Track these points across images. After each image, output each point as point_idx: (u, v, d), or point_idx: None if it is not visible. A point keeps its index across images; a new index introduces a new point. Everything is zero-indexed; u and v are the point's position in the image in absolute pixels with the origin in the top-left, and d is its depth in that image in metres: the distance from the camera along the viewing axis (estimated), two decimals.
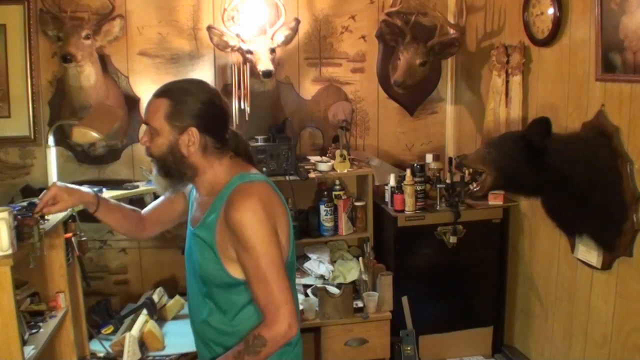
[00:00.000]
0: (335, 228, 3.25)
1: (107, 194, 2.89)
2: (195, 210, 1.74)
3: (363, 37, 3.50)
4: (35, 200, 2.65)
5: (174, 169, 1.65)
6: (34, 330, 2.26)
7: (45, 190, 1.84)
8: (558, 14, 2.59)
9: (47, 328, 2.31)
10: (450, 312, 3.23)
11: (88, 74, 2.95)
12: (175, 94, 1.61)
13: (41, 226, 2.15)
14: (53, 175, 2.84)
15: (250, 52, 3.07)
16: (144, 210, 1.98)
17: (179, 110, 1.60)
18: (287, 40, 3.20)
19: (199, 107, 1.61)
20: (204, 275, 1.67)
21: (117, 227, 1.95)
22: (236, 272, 1.61)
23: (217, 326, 1.68)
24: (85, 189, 1.88)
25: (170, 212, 1.96)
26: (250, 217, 1.53)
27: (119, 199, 2.98)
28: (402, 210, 3.12)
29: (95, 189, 2.85)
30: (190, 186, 1.79)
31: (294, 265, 1.75)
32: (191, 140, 1.61)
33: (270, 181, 1.70)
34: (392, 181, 3.19)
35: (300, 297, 3.15)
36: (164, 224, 2.01)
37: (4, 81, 3.06)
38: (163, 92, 1.63)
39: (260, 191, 1.60)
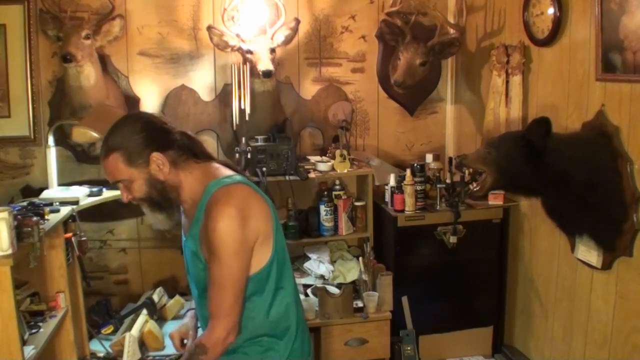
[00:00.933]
0: (335, 228, 3.25)
1: (107, 193, 2.90)
2: (184, 222, 1.79)
3: (363, 37, 3.50)
4: (35, 200, 2.66)
5: (163, 200, 1.69)
6: (34, 330, 2.27)
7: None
8: (558, 14, 2.59)
9: (47, 328, 2.31)
10: (450, 312, 3.23)
11: (88, 74, 2.95)
12: (117, 143, 1.64)
13: (41, 226, 2.15)
14: (53, 175, 2.84)
15: (250, 52, 3.07)
16: None
17: (131, 151, 1.63)
18: (287, 40, 3.20)
19: (143, 136, 1.64)
20: (197, 282, 1.74)
21: None
22: None
23: None
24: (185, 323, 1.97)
25: None
26: (223, 227, 1.57)
27: (119, 198, 2.99)
28: (402, 210, 3.12)
29: (95, 189, 2.88)
30: None
31: (284, 259, 1.77)
32: (160, 164, 1.65)
33: (246, 179, 1.73)
34: (392, 181, 3.19)
35: (300, 297, 3.15)
36: None
37: (4, 81, 3.06)
38: (107, 150, 1.65)
39: (236, 196, 1.63)
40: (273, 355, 1.73)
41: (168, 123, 1.74)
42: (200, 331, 1.90)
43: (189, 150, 1.71)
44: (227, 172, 1.72)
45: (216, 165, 1.75)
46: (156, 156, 1.64)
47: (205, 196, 1.65)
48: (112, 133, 1.66)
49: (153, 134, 1.66)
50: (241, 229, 1.59)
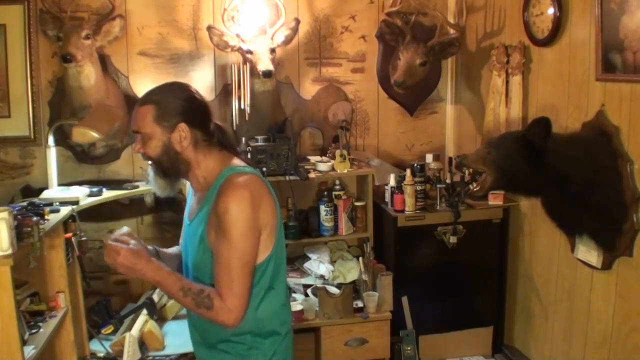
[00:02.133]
0: (335, 228, 3.25)
1: (107, 193, 2.90)
2: (192, 205, 1.80)
3: (363, 37, 3.50)
4: (35, 200, 2.66)
5: (170, 168, 1.71)
6: (34, 330, 2.27)
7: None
8: (558, 14, 2.59)
9: (47, 328, 2.31)
10: (450, 312, 3.23)
11: (88, 74, 2.95)
12: (156, 98, 1.68)
13: (41, 226, 2.15)
14: (53, 175, 2.84)
15: (250, 52, 3.07)
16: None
17: (165, 111, 1.66)
18: (287, 40, 3.20)
19: (182, 104, 1.68)
20: (197, 266, 1.73)
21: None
22: None
23: None
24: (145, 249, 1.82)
25: None
26: (236, 207, 1.59)
27: (119, 198, 3.00)
28: (402, 210, 3.12)
29: (95, 189, 2.88)
30: (187, 183, 1.82)
31: (281, 261, 1.78)
32: (182, 136, 1.67)
33: (260, 174, 1.75)
34: (392, 181, 3.19)
35: (300, 297, 3.15)
36: None
37: (4, 81, 3.06)
38: (145, 100, 1.69)
39: (251, 183, 1.65)
40: (256, 354, 1.73)
41: (209, 110, 1.76)
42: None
43: (216, 139, 1.74)
44: (243, 164, 1.75)
45: (236, 158, 1.77)
46: (183, 127, 1.66)
47: (220, 178, 1.67)
48: (160, 88, 1.71)
49: (192, 108, 1.69)
50: (253, 213, 1.61)
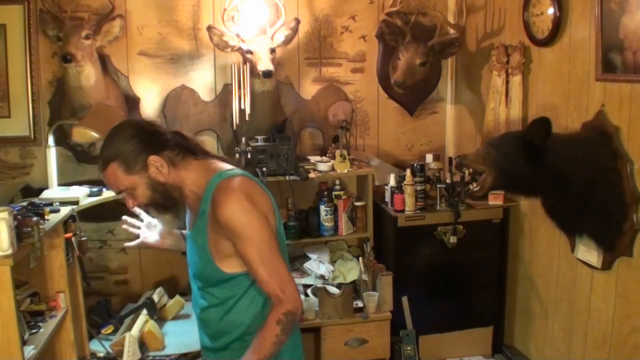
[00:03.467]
0: (335, 228, 3.25)
1: (107, 193, 2.90)
2: (189, 216, 1.82)
3: (363, 37, 3.50)
4: (35, 200, 2.66)
5: (167, 200, 1.71)
6: (34, 330, 2.26)
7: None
8: (558, 14, 2.59)
9: (47, 328, 2.31)
10: (450, 312, 3.23)
11: (88, 74, 2.95)
12: (112, 153, 1.67)
13: (41, 226, 2.15)
14: (53, 175, 2.84)
15: (250, 52, 3.07)
16: None
17: (128, 159, 1.66)
18: (287, 40, 3.20)
19: (136, 142, 1.67)
20: (200, 275, 1.75)
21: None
22: (229, 268, 1.69)
23: (216, 318, 1.75)
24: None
25: None
26: (237, 210, 1.60)
27: (119, 198, 2.99)
28: (402, 210, 3.12)
29: (95, 189, 2.88)
30: None
31: (284, 255, 1.77)
32: (158, 166, 1.67)
33: (248, 173, 1.76)
34: (392, 181, 3.19)
35: (300, 297, 3.15)
36: None
37: (4, 81, 3.06)
38: (105, 161, 1.68)
39: (241, 184, 1.66)
40: None
41: (158, 125, 1.77)
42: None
43: (184, 148, 1.74)
44: (228, 166, 1.76)
45: (215, 161, 1.78)
46: (153, 159, 1.66)
47: (210, 188, 1.67)
48: (106, 145, 1.69)
49: (145, 138, 1.68)
50: (254, 207, 1.62)
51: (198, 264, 1.74)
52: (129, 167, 1.65)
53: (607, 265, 2.37)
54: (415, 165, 3.20)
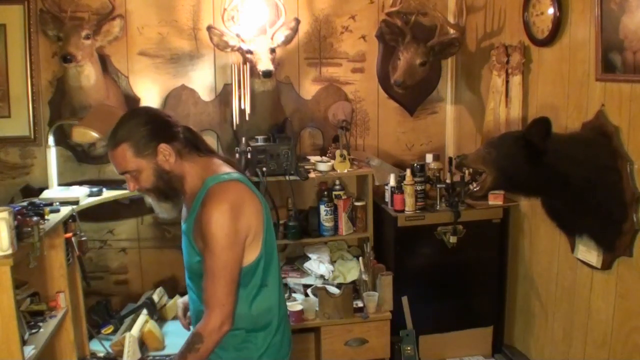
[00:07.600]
0: (335, 228, 3.25)
1: (107, 193, 2.90)
2: (184, 210, 1.85)
3: (363, 37, 3.50)
4: (35, 200, 2.66)
5: (169, 189, 1.75)
6: (34, 330, 2.27)
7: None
8: (558, 14, 2.59)
9: (47, 328, 2.31)
10: (450, 312, 3.23)
11: (88, 74, 2.95)
12: (124, 135, 1.69)
13: (41, 226, 2.15)
14: (53, 175, 2.84)
15: (250, 52, 3.07)
16: None
17: (140, 143, 1.69)
18: (287, 40, 3.20)
19: (149, 128, 1.70)
20: (189, 267, 1.80)
21: None
22: None
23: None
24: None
25: None
26: (216, 220, 1.63)
27: (119, 198, 2.99)
28: (402, 210, 3.12)
29: (95, 189, 2.88)
30: None
31: (271, 260, 1.80)
32: (166, 155, 1.71)
33: (244, 178, 1.79)
34: (392, 181, 3.19)
35: (300, 297, 3.16)
36: None
37: (4, 81, 3.06)
38: (116, 141, 1.70)
39: (231, 193, 1.69)
40: (250, 347, 1.77)
41: (171, 117, 1.80)
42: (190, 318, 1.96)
43: (191, 143, 1.78)
44: (227, 168, 1.78)
45: (217, 160, 1.81)
46: (163, 147, 1.70)
47: (203, 190, 1.71)
48: (120, 126, 1.72)
49: (159, 126, 1.73)
50: (233, 224, 1.65)
51: (187, 256, 1.79)
52: (139, 151, 1.68)
53: (607, 265, 2.37)
54: (415, 165, 3.20)
